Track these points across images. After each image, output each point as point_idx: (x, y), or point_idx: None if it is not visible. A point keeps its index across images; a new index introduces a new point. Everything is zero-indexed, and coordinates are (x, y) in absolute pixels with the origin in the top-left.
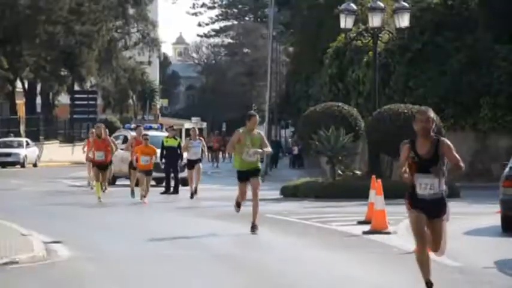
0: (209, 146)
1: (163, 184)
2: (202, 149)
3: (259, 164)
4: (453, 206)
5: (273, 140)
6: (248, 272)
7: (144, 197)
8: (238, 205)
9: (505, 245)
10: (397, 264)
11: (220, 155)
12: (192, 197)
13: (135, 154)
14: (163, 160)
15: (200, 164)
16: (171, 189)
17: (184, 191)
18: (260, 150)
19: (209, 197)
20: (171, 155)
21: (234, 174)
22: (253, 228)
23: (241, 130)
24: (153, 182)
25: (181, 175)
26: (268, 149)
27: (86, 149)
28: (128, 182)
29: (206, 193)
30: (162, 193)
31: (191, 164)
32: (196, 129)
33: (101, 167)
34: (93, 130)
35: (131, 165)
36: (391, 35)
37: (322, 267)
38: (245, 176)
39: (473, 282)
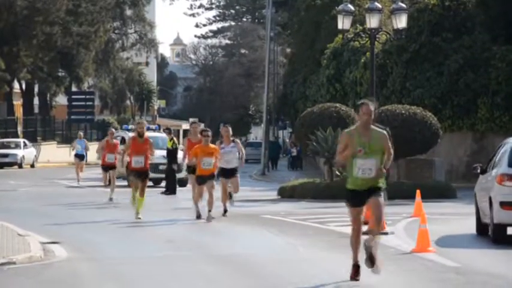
0: None
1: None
2: (239, 154)
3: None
4: (450, 207)
5: (273, 140)
6: (245, 273)
7: (210, 211)
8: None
9: (501, 245)
10: (395, 264)
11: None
12: (224, 213)
13: (192, 156)
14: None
15: (237, 176)
16: (171, 190)
17: (182, 192)
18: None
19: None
20: (173, 155)
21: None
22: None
23: (352, 127)
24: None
25: (178, 176)
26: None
27: (102, 151)
28: (124, 183)
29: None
30: (162, 193)
31: (225, 174)
32: (230, 129)
33: (139, 174)
34: (113, 130)
35: (190, 170)
36: (389, 36)
37: (320, 267)
38: (360, 198)
39: (469, 282)
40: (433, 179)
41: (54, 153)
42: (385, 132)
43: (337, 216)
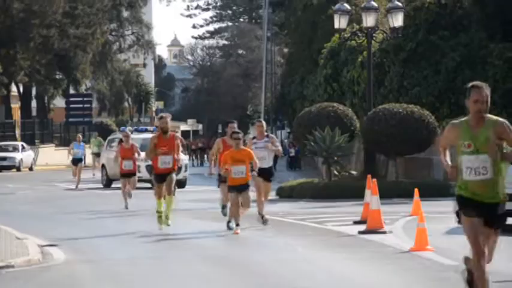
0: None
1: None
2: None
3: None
4: (448, 205)
5: None
6: (244, 273)
7: (238, 225)
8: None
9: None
10: (393, 263)
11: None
12: (262, 220)
13: (223, 165)
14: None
15: (270, 181)
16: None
17: (181, 193)
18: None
19: (203, 198)
20: None
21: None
22: None
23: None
24: (148, 185)
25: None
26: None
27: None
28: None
29: (203, 195)
30: None
31: (261, 174)
32: (264, 123)
33: (164, 176)
34: (127, 131)
35: (222, 179)
36: (385, 35)
37: (318, 267)
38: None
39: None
40: (431, 177)
41: (53, 156)
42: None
43: (335, 216)
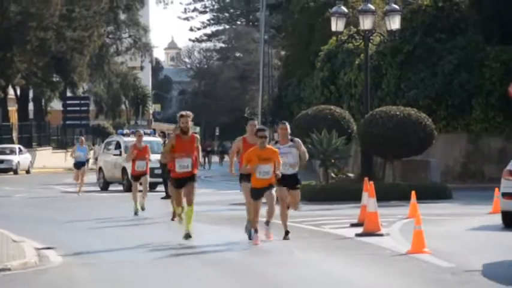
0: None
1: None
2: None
3: None
4: (445, 208)
5: None
6: (241, 276)
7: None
8: None
9: (496, 245)
10: (391, 266)
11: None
12: (286, 236)
13: (245, 163)
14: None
15: (299, 188)
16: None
17: None
18: None
19: (203, 201)
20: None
21: (227, 178)
22: None
23: None
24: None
25: None
26: None
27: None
28: (120, 188)
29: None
30: (162, 198)
31: (283, 181)
32: (288, 126)
33: (183, 181)
34: (141, 131)
35: (242, 176)
36: (382, 38)
37: (316, 269)
38: None
39: (464, 282)
40: (428, 180)
41: (50, 159)
42: None
43: (332, 219)
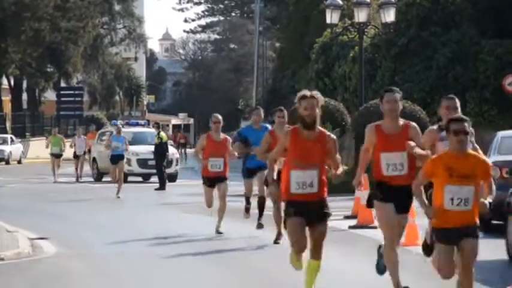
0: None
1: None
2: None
3: None
4: None
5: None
6: (238, 270)
7: None
8: None
9: (494, 245)
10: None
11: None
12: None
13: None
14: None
15: None
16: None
17: (173, 187)
18: None
19: (199, 192)
20: (160, 150)
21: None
22: None
23: None
24: (139, 178)
25: (168, 171)
26: None
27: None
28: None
29: (194, 189)
30: (156, 189)
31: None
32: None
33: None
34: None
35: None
36: (377, 30)
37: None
38: None
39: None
40: None
41: (43, 149)
42: None
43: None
